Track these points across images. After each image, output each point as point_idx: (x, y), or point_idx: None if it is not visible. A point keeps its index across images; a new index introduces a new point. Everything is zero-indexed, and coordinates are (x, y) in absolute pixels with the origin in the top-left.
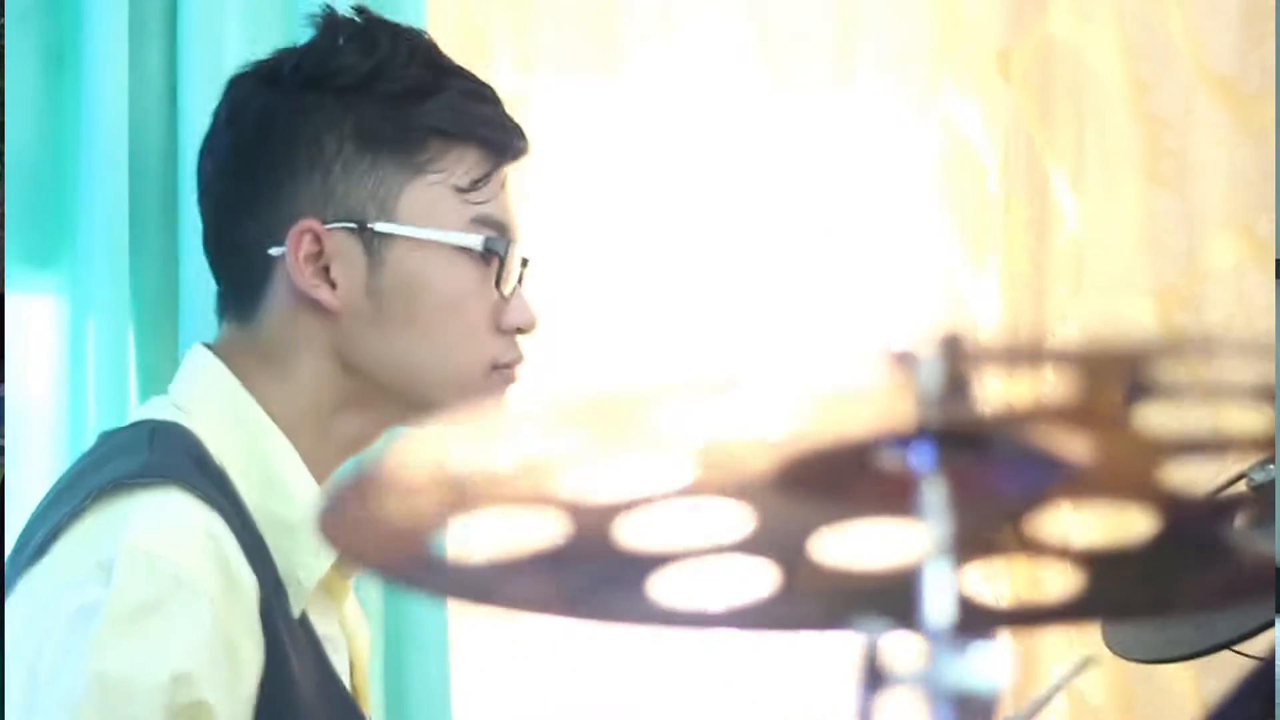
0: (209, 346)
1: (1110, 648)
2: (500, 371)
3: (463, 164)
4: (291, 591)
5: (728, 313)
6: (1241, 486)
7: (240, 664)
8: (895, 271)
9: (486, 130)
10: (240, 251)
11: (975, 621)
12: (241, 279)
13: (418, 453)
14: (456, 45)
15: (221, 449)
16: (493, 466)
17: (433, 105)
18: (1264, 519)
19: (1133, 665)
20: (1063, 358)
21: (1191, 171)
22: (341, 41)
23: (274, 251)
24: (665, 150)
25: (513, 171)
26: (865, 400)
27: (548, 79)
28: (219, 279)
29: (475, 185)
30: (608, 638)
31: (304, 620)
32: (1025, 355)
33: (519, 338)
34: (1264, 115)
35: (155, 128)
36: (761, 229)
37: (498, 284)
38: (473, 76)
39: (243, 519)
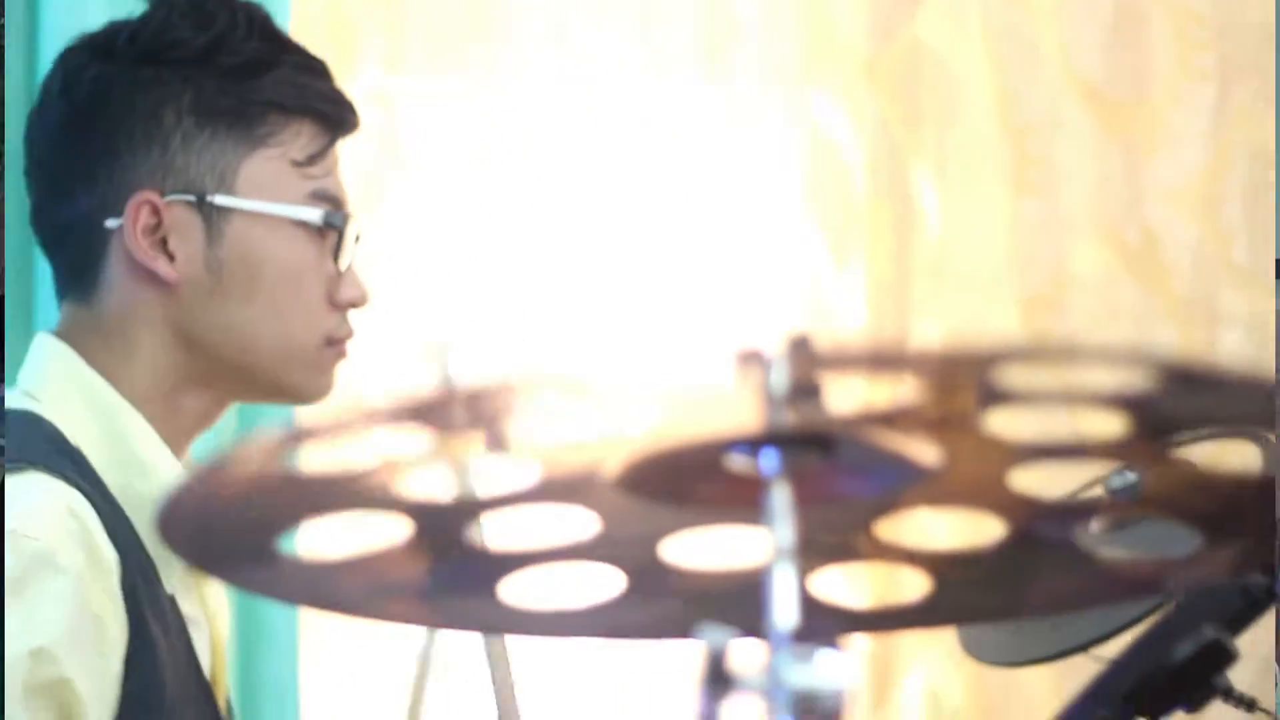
0: (53, 332)
1: (967, 650)
2: (334, 347)
3: (300, 138)
4: (161, 569)
5: (590, 313)
6: (1099, 492)
7: (105, 639)
8: (761, 273)
9: (322, 105)
10: (75, 227)
11: (826, 626)
12: (77, 256)
13: (262, 450)
14: (324, 42)
15: (77, 432)
16: (339, 465)
17: (271, 79)
18: (1119, 524)
19: (994, 670)
20: (915, 361)
21: (1058, 178)
22: (176, 15)
23: (111, 224)
24: (533, 150)
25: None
26: (714, 402)
27: (416, 78)
28: (52, 258)
29: (312, 159)
30: (458, 638)
31: (172, 599)
32: (877, 358)
33: (353, 313)
34: (1129, 124)
35: (18, 119)
36: (628, 230)
37: (335, 259)
38: (306, 51)
39: (105, 499)
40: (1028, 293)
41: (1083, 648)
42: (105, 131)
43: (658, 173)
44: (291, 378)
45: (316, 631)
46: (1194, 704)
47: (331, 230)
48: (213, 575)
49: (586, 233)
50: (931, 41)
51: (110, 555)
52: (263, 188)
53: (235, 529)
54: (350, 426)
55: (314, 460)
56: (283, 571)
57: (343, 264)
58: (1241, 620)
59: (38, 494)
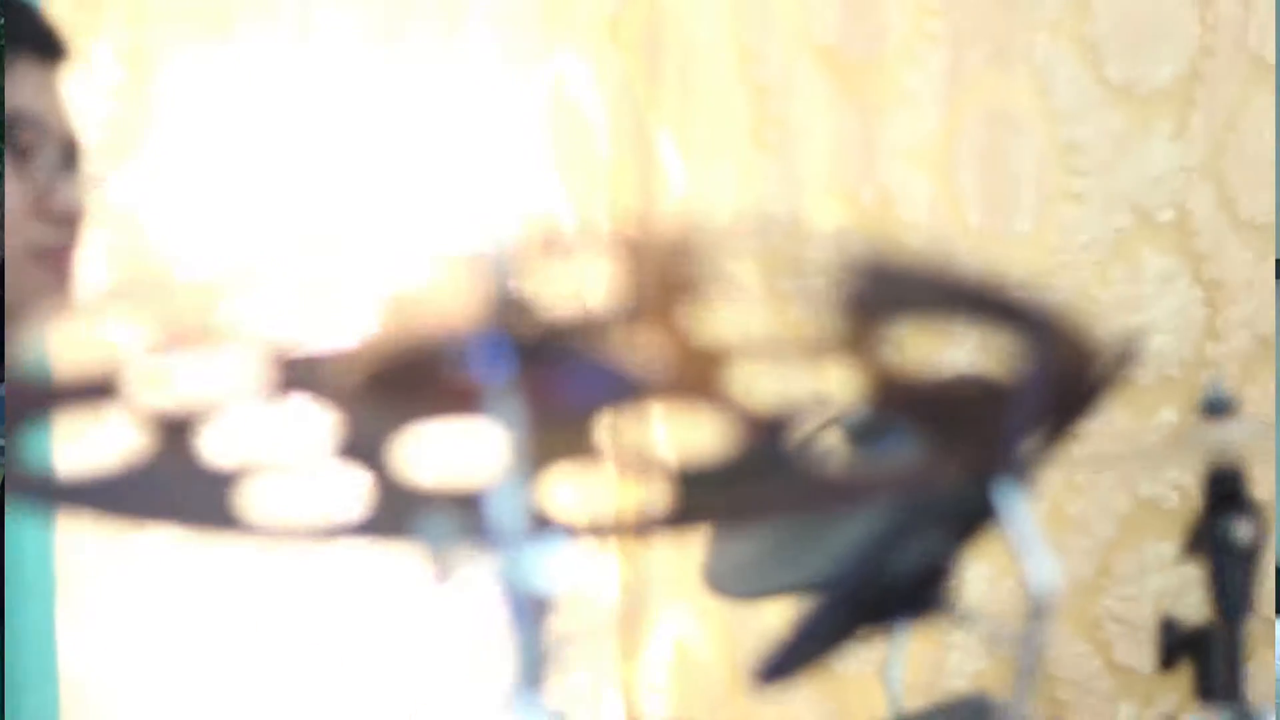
0: None
1: (709, 585)
2: (46, 259)
3: None
4: None
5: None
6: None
7: None
8: (502, 233)
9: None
10: None
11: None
12: None
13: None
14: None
15: None
16: (71, 367)
17: None
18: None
19: (742, 619)
20: (633, 254)
21: (794, 138)
22: None
23: None
24: (274, 108)
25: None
26: (438, 301)
27: (160, 35)
28: None
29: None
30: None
31: None
32: (596, 250)
33: (75, 226)
34: (865, 85)
35: None
36: (364, 188)
37: (22, 172)
38: None
39: None
40: (764, 250)
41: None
42: None
43: (398, 132)
44: (11, 297)
45: (74, 577)
46: (915, 615)
47: (13, 144)
48: None
49: (325, 188)
50: (672, 1)
51: None
52: None
53: None
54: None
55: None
56: (22, 478)
57: (37, 176)
58: (965, 533)
59: None
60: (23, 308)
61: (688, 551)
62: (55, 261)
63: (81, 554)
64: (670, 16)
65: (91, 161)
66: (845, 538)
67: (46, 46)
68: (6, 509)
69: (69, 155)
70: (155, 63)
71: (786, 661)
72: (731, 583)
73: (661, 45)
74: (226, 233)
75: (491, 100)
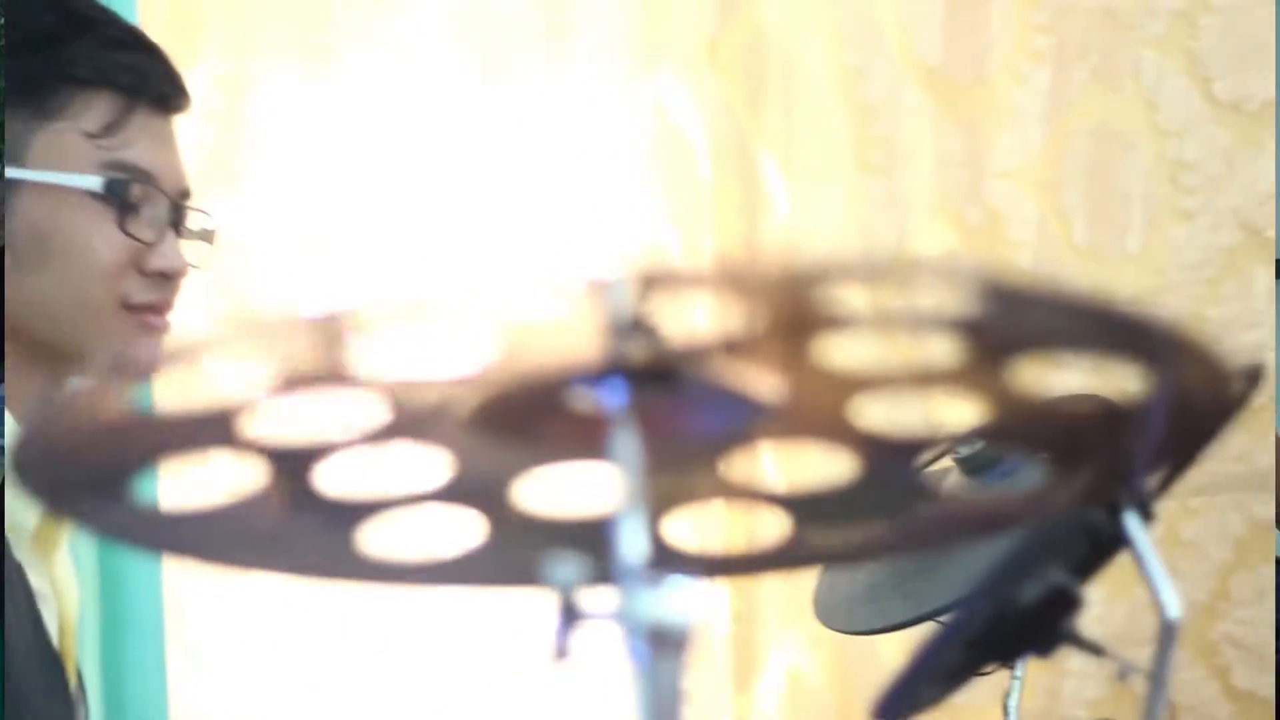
0: None
1: (821, 619)
2: (136, 314)
3: (92, 110)
4: (12, 539)
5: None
6: (948, 463)
7: None
8: (609, 259)
9: (121, 76)
10: None
11: (678, 563)
12: None
13: (110, 393)
14: (167, 28)
15: None
16: (186, 404)
17: (65, 53)
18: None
19: (853, 648)
20: (747, 286)
21: (899, 159)
22: None
23: None
24: (379, 135)
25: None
26: (553, 332)
27: (262, 65)
28: None
29: (107, 130)
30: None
31: (19, 569)
32: (713, 283)
33: (174, 284)
34: (970, 104)
35: None
36: (472, 214)
37: (123, 227)
38: (116, 22)
39: None
40: None
41: (934, 614)
42: None
43: (502, 157)
44: (93, 347)
45: (181, 612)
46: (1042, 650)
47: (119, 199)
48: (67, 518)
49: (431, 217)
50: (773, 23)
51: None
52: (51, 160)
53: (87, 470)
54: (184, 358)
55: (162, 399)
56: (135, 517)
57: (139, 232)
58: (1090, 565)
59: None
60: (98, 353)
61: (799, 580)
62: (145, 316)
63: (191, 589)
64: (771, 38)
65: (200, 215)
66: (961, 569)
67: (168, 98)
68: (118, 546)
69: (178, 212)
70: (254, 91)
71: (906, 698)
72: (844, 617)
73: (763, 67)
74: (332, 267)
75: (594, 125)
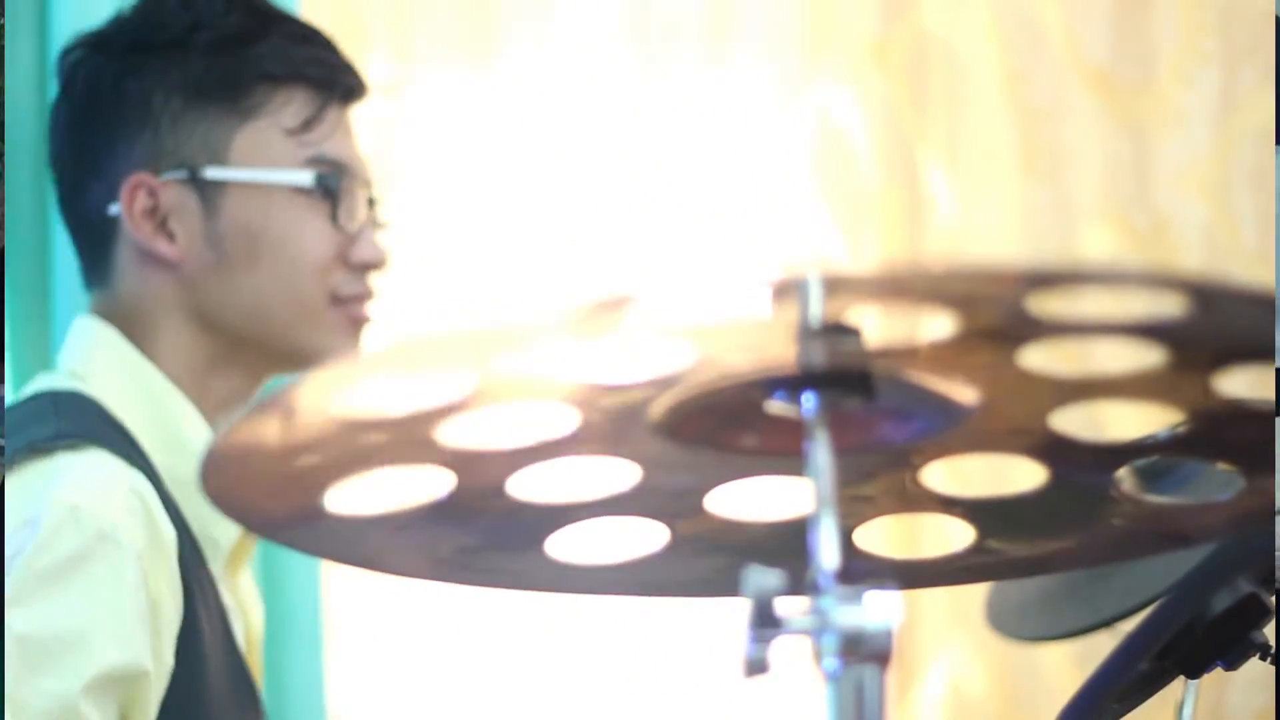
0: (91, 315)
1: (993, 626)
2: (345, 307)
3: (290, 106)
4: (208, 552)
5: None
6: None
7: (162, 620)
8: (775, 261)
9: (312, 70)
10: (87, 217)
11: (871, 569)
12: (92, 244)
13: (302, 404)
14: (331, 32)
15: (124, 412)
16: (379, 416)
17: (255, 50)
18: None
19: (1015, 657)
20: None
21: (1065, 162)
22: (161, 1)
23: (112, 210)
24: (541, 137)
25: (358, 112)
26: (748, 335)
27: (424, 67)
28: (77, 249)
29: (306, 126)
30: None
31: (214, 584)
32: (907, 285)
33: (372, 275)
34: (1136, 107)
35: (27, 116)
36: (634, 218)
37: (335, 220)
38: (296, 19)
39: (156, 479)
40: None
41: (1110, 621)
42: (101, 122)
43: (664, 161)
44: (306, 342)
45: (343, 627)
46: (1231, 660)
47: (328, 193)
48: (255, 531)
49: (594, 223)
50: (937, 25)
51: (170, 534)
52: (255, 158)
53: (276, 483)
54: (366, 369)
55: (351, 409)
56: (323, 528)
57: (346, 224)
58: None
59: (100, 471)
60: (318, 353)
61: (964, 587)
62: (352, 309)
63: (352, 596)
64: (936, 40)
65: (392, 210)
66: (1136, 577)
67: (353, 90)
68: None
69: (372, 203)
70: (417, 94)
71: (1092, 711)
72: (1017, 623)
73: (927, 70)
74: (497, 271)
75: (758, 127)
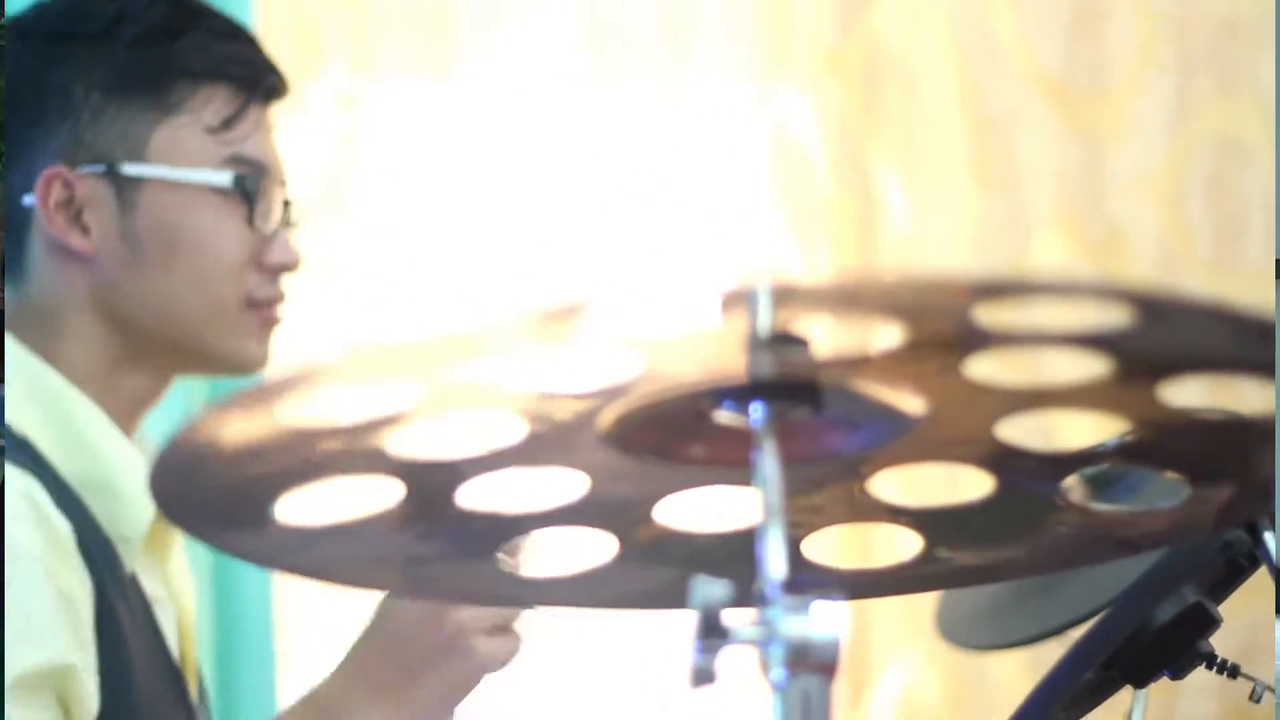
0: None
1: (943, 635)
2: (258, 309)
3: (212, 104)
4: (121, 550)
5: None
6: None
7: (80, 615)
8: (725, 268)
9: (236, 69)
10: (7, 210)
11: (818, 579)
12: (10, 238)
13: (249, 413)
14: (287, 43)
15: (20, 419)
16: (328, 425)
17: (179, 46)
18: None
19: (967, 666)
20: (892, 296)
21: (1019, 172)
22: None
23: (26, 201)
24: (498, 148)
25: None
26: (692, 347)
27: (382, 77)
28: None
29: (227, 124)
30: None
31: (133, 578)
32: (854, 296)
33: (285, 277)
34: (1091, 116)
35: None
36: (591, 227)
37: (251, 222)
38: (222, 15)
39: (55, 480)
40: None
41: (1059, 630)
42: (23, 111)
43: (619, 169)
44: (218, 344)
45: (294, 637)
46: (1176, 670)
47: (246, 194)
48: (205, 542)
49: (551, 231)
50: (892, 35)
51: (65, 530)
52: (174, 155)
53: (222, 491)
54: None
55: (295, 419)
56: (270, 538)
57: (263, 226)
58: (1225, 583)
59: None
60: (228, 355)
61: (913, 597)
62: (265, 311)
63: (303, 607)
64: (891, 50)
65: (305, 212)
66: (1084, 586)
67: (275, 89)
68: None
69: (287, 205)
70: (372, 107)
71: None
72: (967, 633)
73: (882, 79)
74: (454, 281)
75: (713, 136)
